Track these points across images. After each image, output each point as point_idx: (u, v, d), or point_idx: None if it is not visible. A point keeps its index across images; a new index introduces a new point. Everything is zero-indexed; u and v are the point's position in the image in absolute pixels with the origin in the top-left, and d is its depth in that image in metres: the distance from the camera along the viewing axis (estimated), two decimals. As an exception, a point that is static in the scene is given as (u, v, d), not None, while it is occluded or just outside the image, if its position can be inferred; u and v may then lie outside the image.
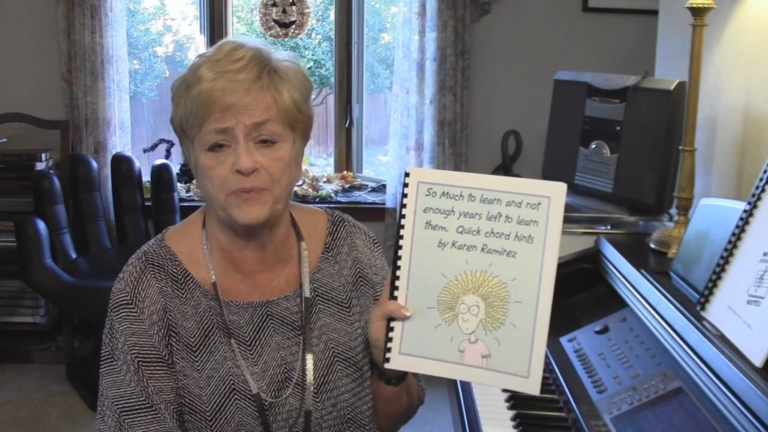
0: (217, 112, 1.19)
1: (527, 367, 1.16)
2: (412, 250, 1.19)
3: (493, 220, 1.17)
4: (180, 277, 1.29)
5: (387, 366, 1.21)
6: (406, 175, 1.20)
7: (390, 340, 1.21)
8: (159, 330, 1.25)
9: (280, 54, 1.27)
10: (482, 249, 1.17)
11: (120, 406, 1.23)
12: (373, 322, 1.24)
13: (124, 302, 1.26)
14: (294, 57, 1.29)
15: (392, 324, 1.20)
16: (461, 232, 1.18)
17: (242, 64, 1.21)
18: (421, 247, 1.19)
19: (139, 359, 1.24)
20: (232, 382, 1.25)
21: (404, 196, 1.20)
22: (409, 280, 1.20)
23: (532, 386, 1.16)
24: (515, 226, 1.16)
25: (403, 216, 1.20)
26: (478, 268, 1.17)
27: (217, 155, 1.21)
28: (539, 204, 1.15)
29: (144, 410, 1.23)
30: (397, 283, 1.20)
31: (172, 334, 1.26)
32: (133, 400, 1.23)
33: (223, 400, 1.24)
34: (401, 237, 1.20)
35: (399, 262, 1.20)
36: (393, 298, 1.21)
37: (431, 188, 1.19)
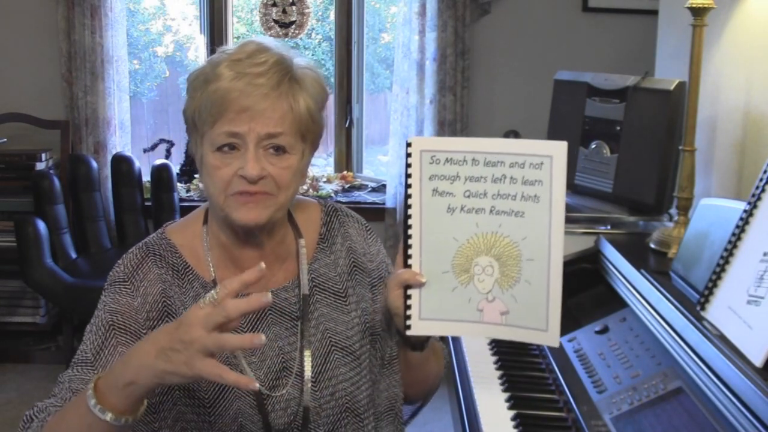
0: (231, 113, 1.19)
1: (545, 321, 1.20)
2: (422, 218, 1.22)
3: (498, 182, 1.19)
4: (180, 268, 1.29)
5: (409, 333, 1.25)
6: (408, 145, 1.22)
7: (409, 307, 1.23)
8: (151, 311, 1.25)
9: (301, 60, 1.26)
10: (491, 211, 1.20)
11: (74, 359, 1.24)
12: (390, 291, 1.26)
13: (120, 280, 1.27)
14: (314, 65, 1.28)
15: (409, 292, 1.23)
16: (468, 196, 1.20)
17: (264, 68, 1.20)
18: (430, 214, 1.22)
19: (112, 322, 1.23)
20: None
21: (408, 166, 1.21)
22: (421, 247, 1.22)
23: (551, 338, 1.20)
24: (520, 187, 1.19)
25: (409, 186, 1.22)
26: (489, 230, 1.20)
27: (224, 156, 1.21)
28: (542, 164, 1.17)
29: (87, 366, 1.22)
30: (410, 251, 1.23)
31: (170, 321, 1.25)
32: (85, 355, 1.23)
33: (221, 388, 1.25)
34: (409, 206, 1.22)
35: (410, 231, 1.22)
36: (407, 266, 1.23)
37: (434, 156, 1.21)
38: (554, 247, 1.18)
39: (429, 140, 1.26)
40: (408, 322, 1.24)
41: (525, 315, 1.20)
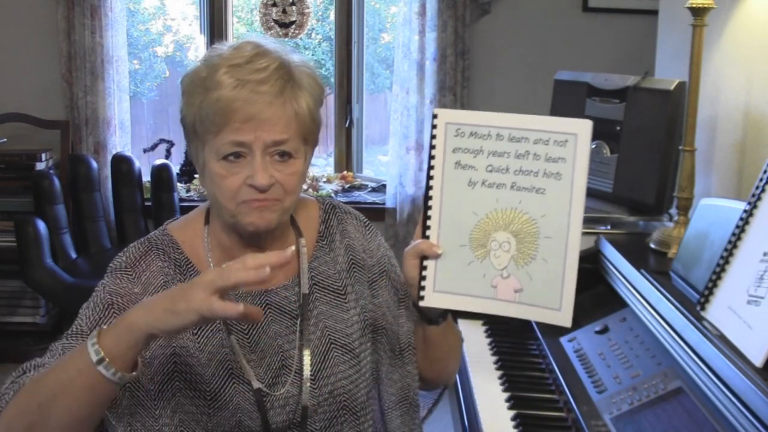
0: (236, 122, 1.18)
1: (559, 300, 1.18)
2: (443, 190, 1.22)
3: (521, 158, 1.19)
4: (182, 263, 1.30)
5: (422, 304, 1.25)
6: (434, 116, 1.22)
7: (424, 278, 1.23)
8: None
9: (296, 57, 1.26)
10: (512, 187, 1.19)
11: (67, 331, 1.23)
12: (407, 261, 1.26)
13: (123, 267, 1.27)
14: (308, 62, 1.28)
15: (425, 263, 1.23)
16: (490, 171, 1.20)
17: (265, 75, 1.19)
18: (451, 186, 1.22)
19: (111, 303, 1.23)
20: (230, 367, 1.26)
21: (433, 137, 1.22)
22: (440, 219, 1.22)
23: (563, 319, 1.19)
24: (543, 164, 1.18)
25: (432, 157, 1.22)
26: (508, 206, 1.20)
27: (231, 166, 1.20)
28: (566, 141, 1.17)
29: (81, 337, 1.21)
30: (428, 222, 1.23)
31: None
32: (80, 328, 1.22)
33: (222, 383, 1.25)
34: (431, 177, 1.22)
35: (430, 202, 1.22)
36: (425, 237, 1.23)
37: (459, 128, 1.21)
38: (573, 226, 1.17)
39: (455, 113, 1.25)
40: (422, 293, 1.24)
41: (539, 293, 1.19)
